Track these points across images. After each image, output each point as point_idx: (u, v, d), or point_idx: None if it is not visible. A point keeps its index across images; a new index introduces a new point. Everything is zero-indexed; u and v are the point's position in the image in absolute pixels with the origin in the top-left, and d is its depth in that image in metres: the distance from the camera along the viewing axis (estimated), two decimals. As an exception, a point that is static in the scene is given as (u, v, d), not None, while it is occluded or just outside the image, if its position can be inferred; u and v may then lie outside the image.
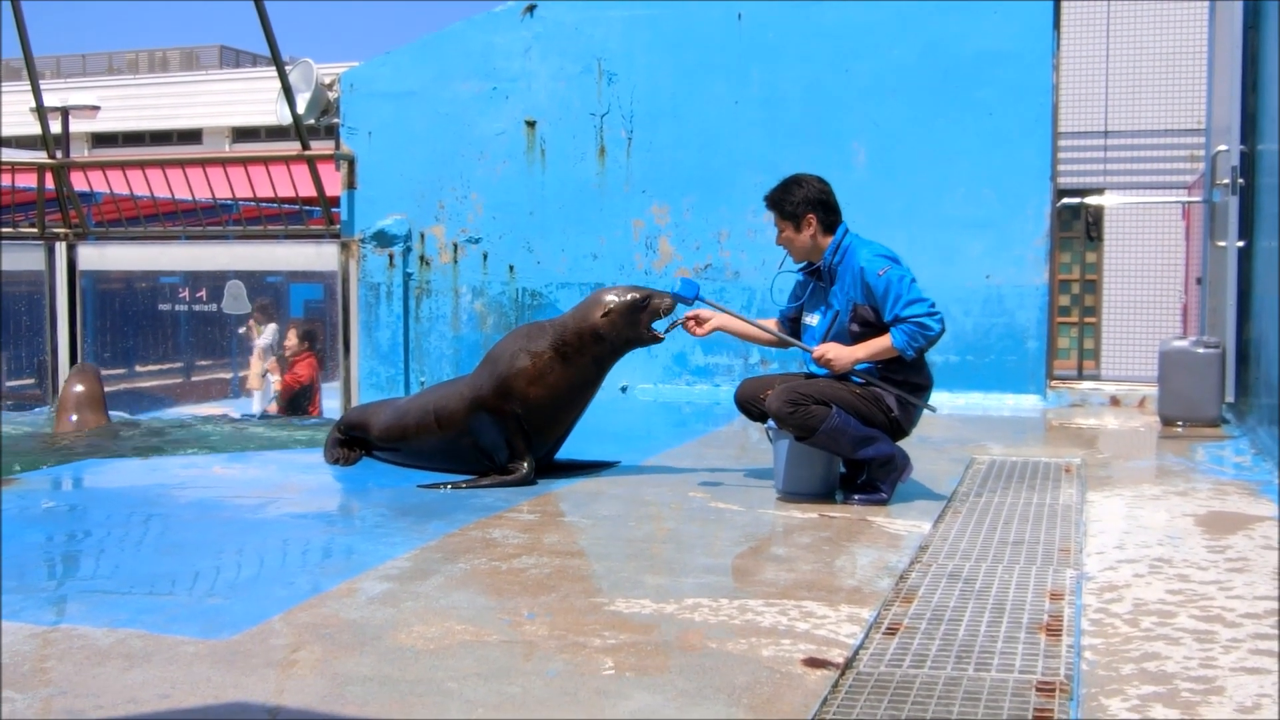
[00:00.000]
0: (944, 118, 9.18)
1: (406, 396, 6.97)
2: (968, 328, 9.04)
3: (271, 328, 12.02)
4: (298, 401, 11.55)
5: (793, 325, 5.73)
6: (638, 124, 9.79)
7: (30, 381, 11.79)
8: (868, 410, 5.29)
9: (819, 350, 5.38)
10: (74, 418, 9.25)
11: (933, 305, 5.26)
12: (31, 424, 10.28)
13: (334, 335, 10.73)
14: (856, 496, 5.36)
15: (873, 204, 8.96)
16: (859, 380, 5.37)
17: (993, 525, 4.95)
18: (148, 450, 7.72)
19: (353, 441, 6.69)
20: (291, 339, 11.65)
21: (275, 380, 11.57)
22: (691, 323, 5.75)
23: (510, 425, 5.89)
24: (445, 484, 5.83)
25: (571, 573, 4.19)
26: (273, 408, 11.65)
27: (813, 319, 5.57)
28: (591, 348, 5.86)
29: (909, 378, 5.37)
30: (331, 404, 10.65)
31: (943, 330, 5.28)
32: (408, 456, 6.39)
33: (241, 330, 12.03)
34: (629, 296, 5.87)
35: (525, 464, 5.87)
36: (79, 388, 9.45)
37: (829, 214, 5.51)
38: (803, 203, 5.48)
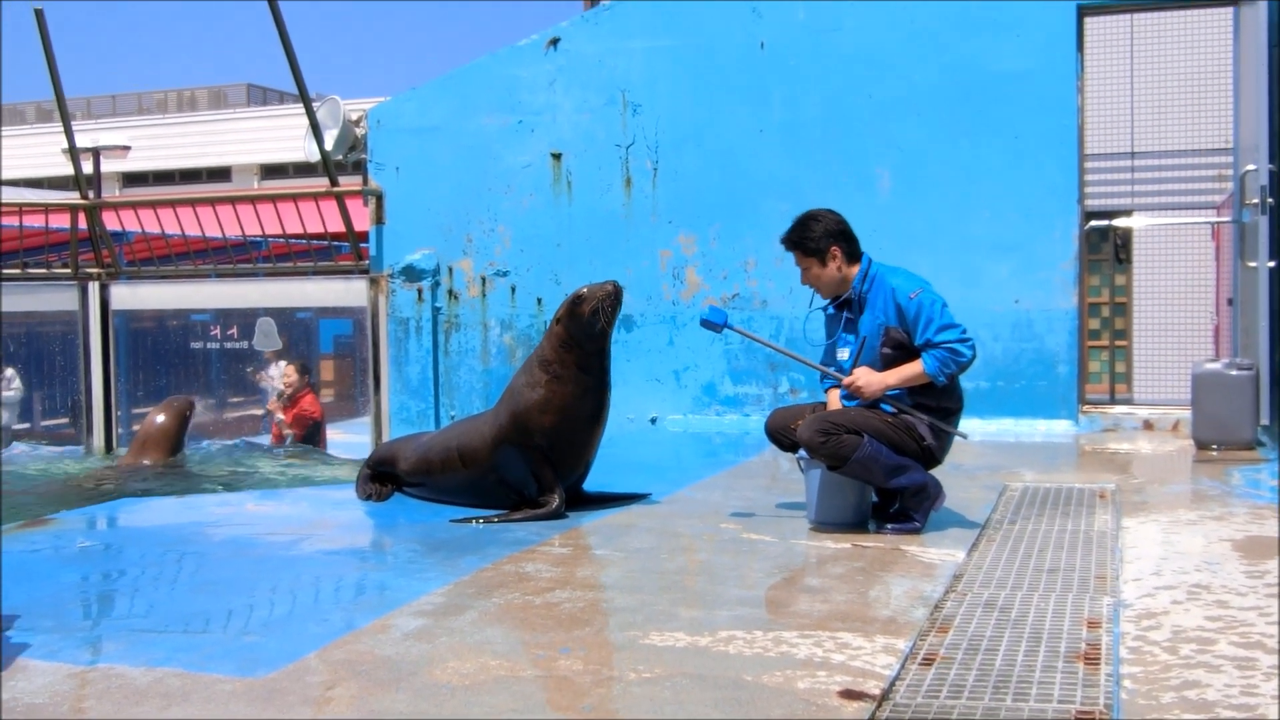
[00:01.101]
0: (968, 139, 9.17)
1: (431, 433, 6.99)
2: (997, 353, 9.00)
3: (279, 367, 12.03)
4: (311, 438, 11.58)
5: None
6: (663, 153, 9.83)
7: (64, 421, 11.88)
8: (900, 439, 5.28)
9: (849, 378, 5.37)
10: (150, 453, 9.35)
11: (964, 331, 5.26)
12: (58, 459, 10.38)
13: (364, 370, 10.78)
14: (889, 526, 5.34)
15: (897, 227, 8.96)
16: (890, 408, 5.36)
17: (1028, 553, 4.92)
18: (183, 489, 7.77)
19: (383, 477, 6.72)
20: (291, 375, 11.64)
21: (280, 418, 11.57)
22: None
23: (536, 458, 5.90)
24: (477, 518, 5.84)
25: (605, 606, 4.18)
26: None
27: (843, 352, 5.56)
28: (569, 357, 5.89)
29: (941, 402, 5.36)
30: (362, 439, 10.68)
31: (974, 357, 5.28)
32: (435, 493, 6.41)
33: (268, 376, 12.03)
34: (570, 297, 5.97)
35: (556, 496, 5.88)
36: (160, 419, 9.58)
37: (850, 244, 5.51)
38: (824, 236, 5.48)
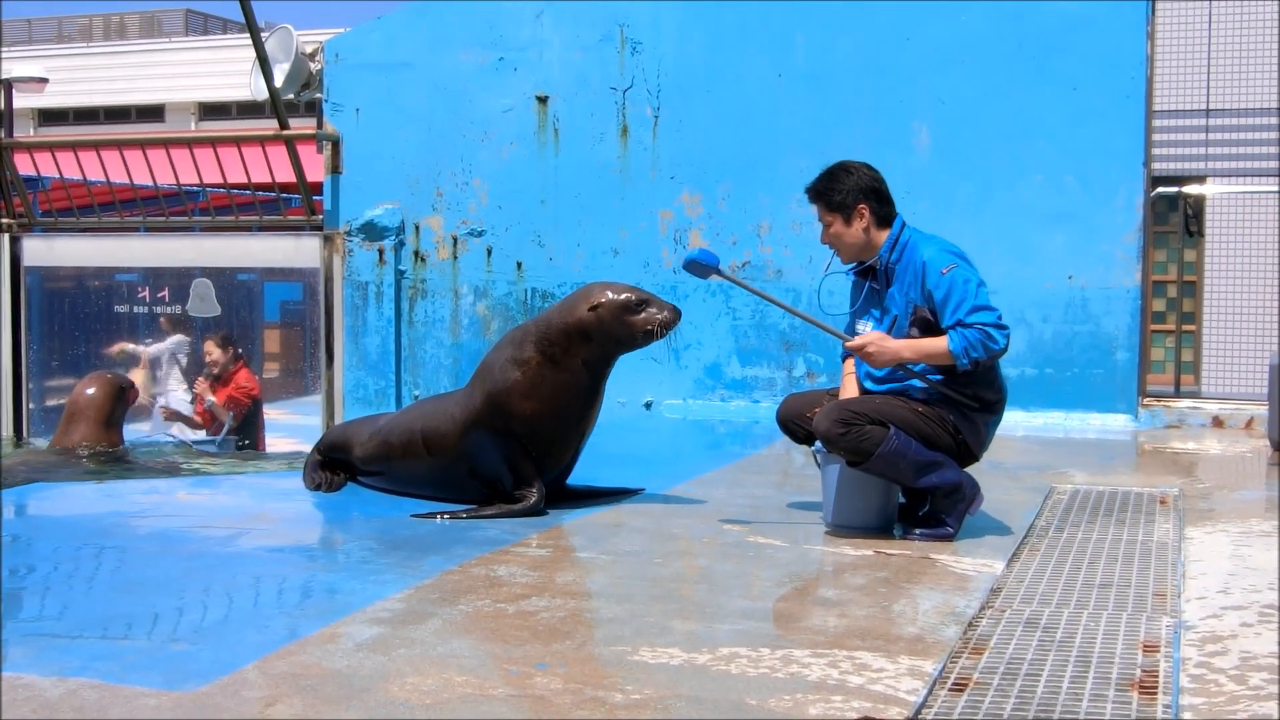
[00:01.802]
0: (1020, 93, 9.16)
1: (390, 414, 6.99)
2: (1047, 336, 9.01)
3: (175, 338, 11.93)
4: (250, 420, 11.54)
5: None
6: (665, 100, 9.81)
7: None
8: (931, 431, 5.28)
9: (859, 340, 5.34)
10: (79, 430, 9.32)
11: (1000, 317, 5.25)
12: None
13: (315, 342, 10.77)
14: (918, 531, 5.35)
15: (937, 192, 8.96)
16: (920, 395, 5.36)
17: (1076, 565, 4.93)
18: (103, 474, 7.77)
19: (336, 464, 6.72)
20: (213, 351, 11.57)
21: (211, 401, 11.50)
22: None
23: (513, 447, 5.90)
24: (442, 514, 5.84)
25: (589, 617, 4.19)
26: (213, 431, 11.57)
27: (865, 326, 5.55)
28: (579, 348, 5.86)
29: (978, 393, 5.35)
30: (311, 420, 10.68)
31: (1006, 347, 5.25)
32: (395, 483, 6.41)
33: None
34: (623, 295, 5.87)
35: (534, 491, 5.88)
36: (91, 391, 9.54)
37: (882, 205, 5.50)
38: (853, 191, 5.47)
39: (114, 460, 8.96)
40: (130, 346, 11.88)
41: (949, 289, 5.25)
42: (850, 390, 5.55)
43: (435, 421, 6.19)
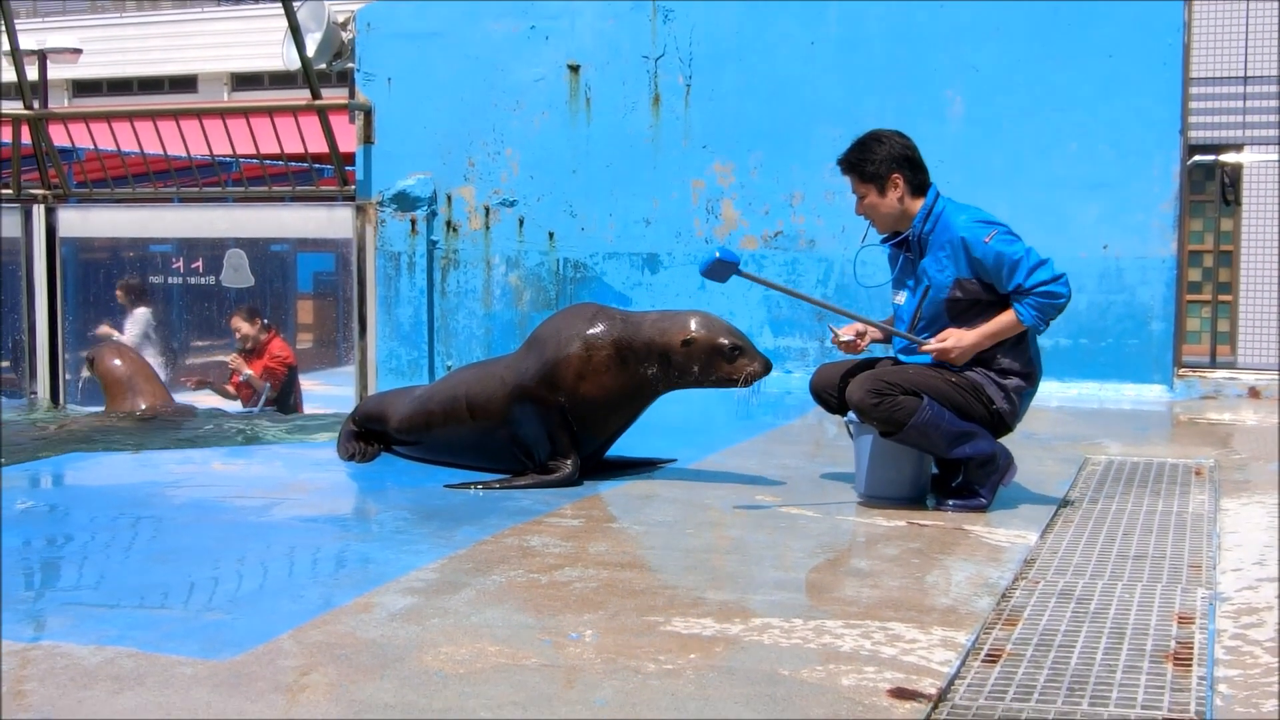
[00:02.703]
0: (1054, 60, 9.10)
1: (425, 385, 7.02)
2: (1081, 306, 8.96)
3: (141, 314, 11.94)
4: (287, 389, 11.59)
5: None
6: (697, 68, 9.78)
7: (5, 365, 11.94)
8: (965, 401, 5.27)
9: (937, 344, 5.30)
10: (138, 399, 9.40)
11: (1054, 265, 5.26)
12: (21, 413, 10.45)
13: (348, 313, 10.80)
14: (951, 502, 5.34)
15: (969, 161, 8.90)
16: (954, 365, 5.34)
17: (1110, 536, 4.92)
18: (138, 443, 7.82)
19: (369, 435, 6.74)
20: (243, 325, 11.61)
21: (248, 374, 11.55)
22: (857, 341, 5.57)
23: (554, 418, 5.91)
24: (476, 484, 5.86)
25: (621, 587, 4.20)
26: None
27: (900, 297, 5.55)
28: (654, 365, 5.84)
29: (1013, 365, 5.33)
30: (344, 391, 10.72)
31: (1070, 295, 5.28)
32: (432, 451, 6.43)
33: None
34: (720, 340, 5.77)
35: (569, 462, 5.89)
36: (116, 361, 9.63)
37: (916, 173, 5.48)
38: (886, 161, 5.44)
39: (177, 422, 9.02)
40: (105, 330, 11.91)
41: (998, 258, 5.23)
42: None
43: (482, 385, 6.19)
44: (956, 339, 5.31)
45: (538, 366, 5.95)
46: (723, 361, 5.77)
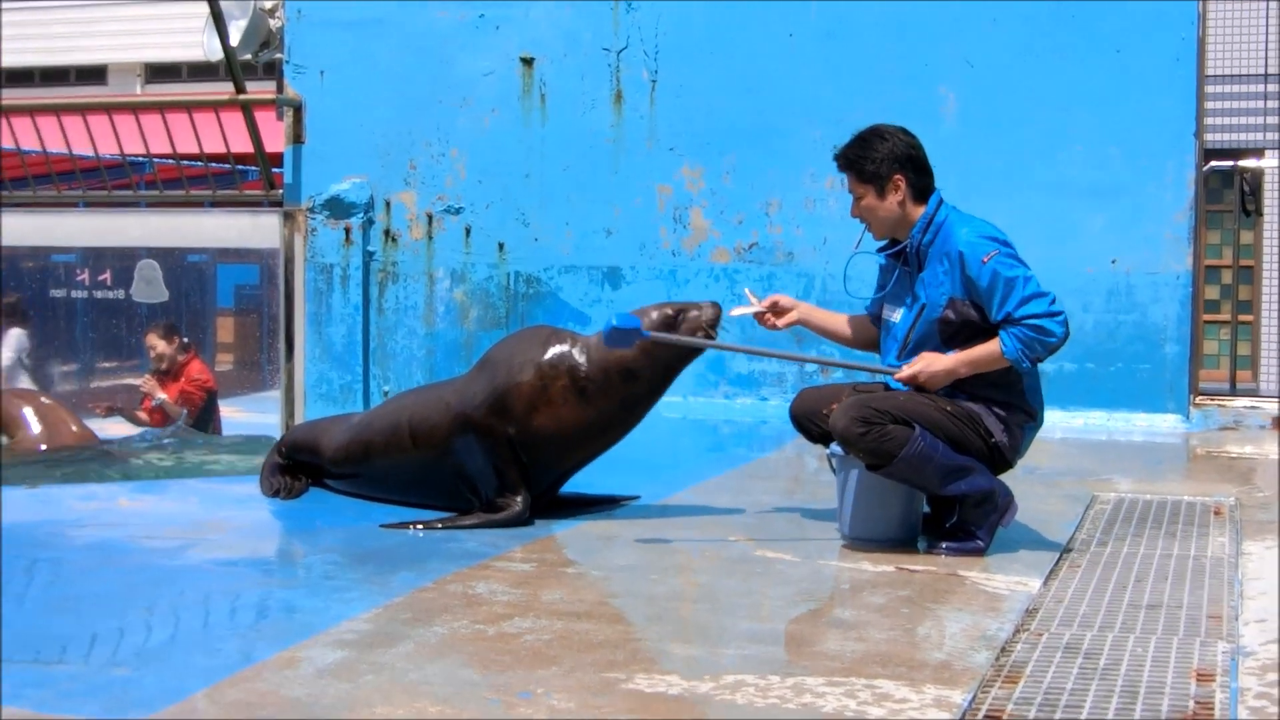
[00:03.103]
0: (1058, 55, 9.14)
1: (362, 412, 7.01)
2: (1087, 327, 8.99)
3: (13, 336, 11.87)
4: (206, 415, 11.54)
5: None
6: (664, 62, 9.78)
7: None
8: (961, 433, 5.27)
9: (906, 371, 5.34)
10: (37, 432, 9.32)
11: (1054, 302, 5.25)
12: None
13: (273, 331, 10.75)
14: (945, 544, 5.34)
15: (965, 165, 8.91)
16: (948, 392, 5.34)
17: (1121, 583, 4.92)
18: (36, 478, 7.74)
19: (298, 467, 6.71)
20: (159, 344, 11.55)
21: (161, 398, 11.48)
22: (769, 315, 5.75)
23: (502, 451, 5.88)
24: (416, 524, 5.83)
25: (578, 639, 4.17)
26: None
27: (895, 314, 5.55)
28: (621, 388, 5.85)
29: (1011, 399, 5.34)
30: (269, 419, 10.66)
31: (1066, 335, 5.27)
32: (369, 485, 6.41)
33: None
34: (656, 315, 5.83)
35: (519, 499, 5.86)
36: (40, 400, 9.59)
37: (920, 176, 5.49)
38: (888, 160, 5.45)
39: (99, 456, 8.97)
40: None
41: (993, 278, 5.23)
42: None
43: (426, 409, 6.18)
44: (926, 364, 5.32)
45: (486, 393, 5.93)
46: (675, 330, 5.79)
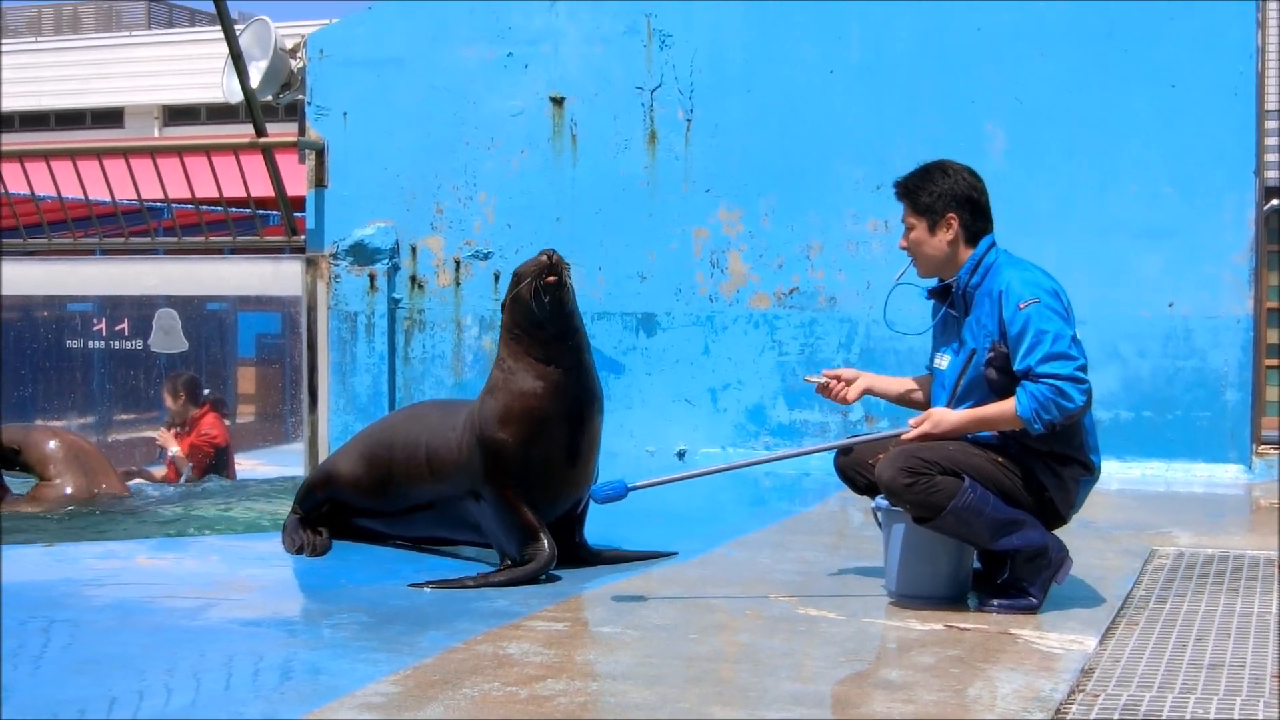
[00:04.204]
0: (1109, 90, 9.14)
1: (374, 424, 7.19)
2: (1144, 374, 8.97)
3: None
4: (218, 471, 11.58)
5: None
6: (699, 101, 9.82)
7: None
8: (1012, 485, 5.26)
9: (914, 432, 5.38)
10: (64, 483, 9.32)
11: (1082, 367, 5.21)
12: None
13: (296, 381, 10.79)
14: (996, 601, 5.32)
15: (1013, 204, 8.87)
16: (999, 442, 5.32)
17: (1181, 642, 4.89)
18: (56, 534, 7.77)
19: (317, 519, 6.74)
20: (168, 398, 11.64)
21: (174, 451, 11.54)
22: (838, 384, 5.76)
23: (507, 501, 5.99)
24: (444, 581, 5.84)
25: (613, 702, 4.17)
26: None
27: (943, 360, 5.55)
28: (523, 347, 6.09)
29: (1066, 450, 5.31)
30: (292, 470, 10.68)
31: (1087, 405, 5.21)
32: (388, 508, 6.57)
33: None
34: (516, 278, 6.13)
35: (543, 546, 5.90)
36: (53, 444, 9.57)
37: (976, 219, 5.49)
38: (945, 196, 5.47)
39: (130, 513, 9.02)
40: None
41: (1024, 327, 5.22)
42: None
43: (440, 442, 6.36)
44: (934, 423, 5.34)
45: (476, 446, 6.13)
46: (517, 289, 6.04)
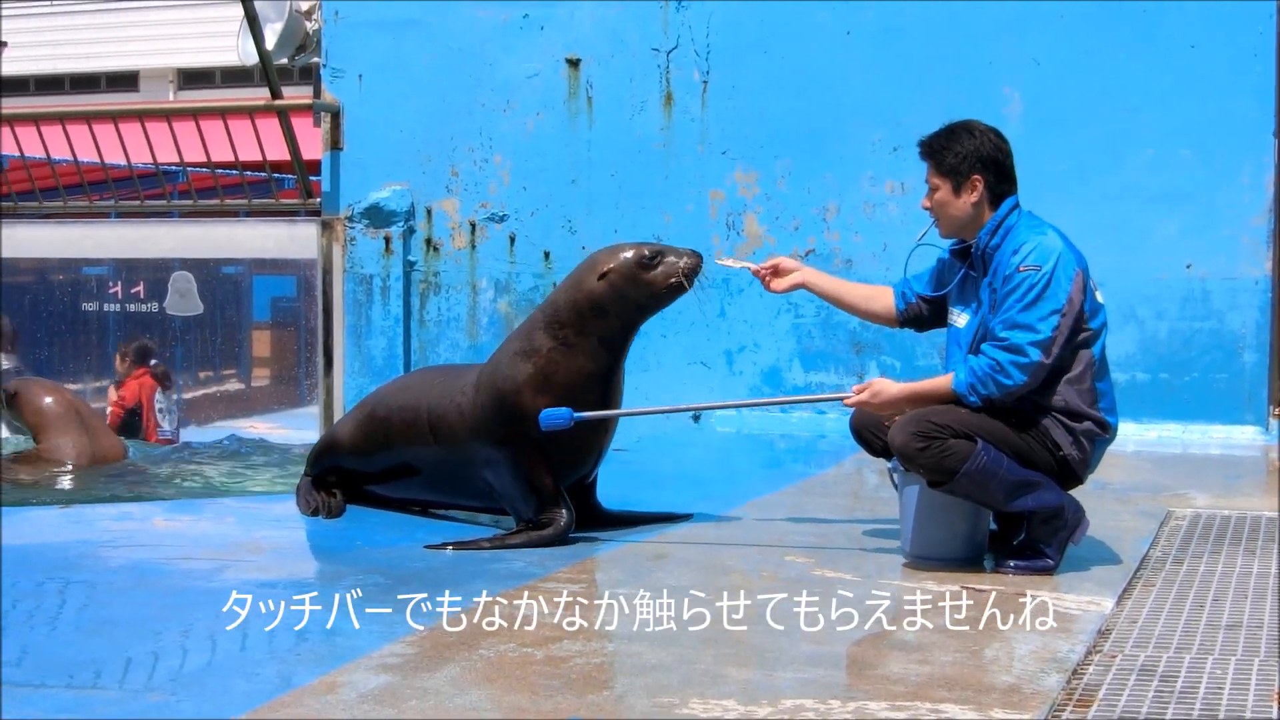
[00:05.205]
0: (1127, 52, 9.10)
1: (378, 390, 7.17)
2: (1161, 336, 8.95)
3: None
4: (130, 431, 11.67)
5: (918, 312, 5.78)
6: (716, 62, 9.79)
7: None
8: (1026, 446, 5.25)
9: (854, 399, 5.49)
10: (68, 443, 9.31)
11: (1036, 343, 5.16)
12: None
13: (311, 344, 10.80)
14: (1012, 563, 5.32)
15: (1030, 168, 8.73)
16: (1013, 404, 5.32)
17: (1198, 602, 4.89)
18: (67, 498, 7.79)
19: (332, 482, 6.74)
20: (119, 362, 11.81)
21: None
22: (768, 274, 5.87)
23: (529, 460, 5.90)
24: (461, 542, 5.84)
25: (629, 663, 4.18)
26: None
27: (960, 318, 5.54)
28: (594, 325, 5.90)
29: (1081, 409, 5.29)
30: (307, 434, 10.69)
31: (1026, 383, 5.19)
32: (391, 474, 6.52)
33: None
34: (632, 253, 5.92)
35: (563, 512, 5.87)
36: (49, 400, 9.55)
37: (1000, 181, 5.47)
38: (970, 158, 5.45)
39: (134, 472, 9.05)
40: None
41: (1012, 286, 5.22)
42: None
43: (443, 407, 6.25)
44: (873, 393, 5.40)
45: (493, 404, 6.01)
46: (649, 274, 5.88)
